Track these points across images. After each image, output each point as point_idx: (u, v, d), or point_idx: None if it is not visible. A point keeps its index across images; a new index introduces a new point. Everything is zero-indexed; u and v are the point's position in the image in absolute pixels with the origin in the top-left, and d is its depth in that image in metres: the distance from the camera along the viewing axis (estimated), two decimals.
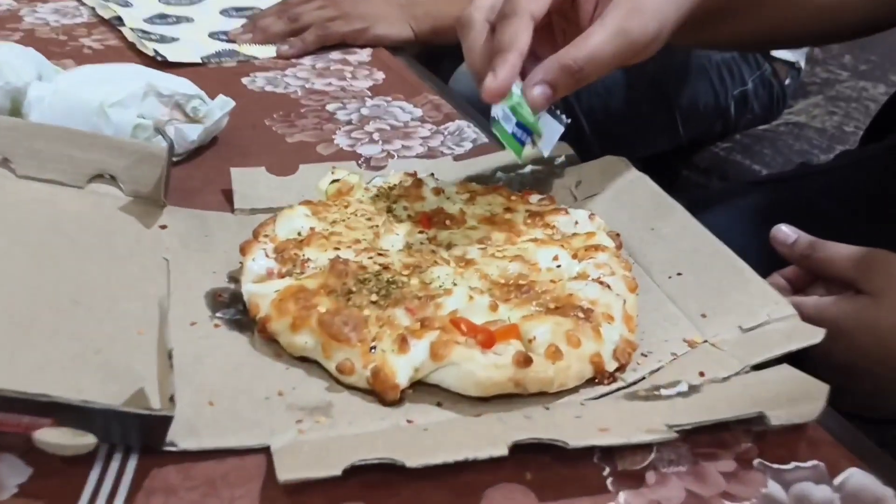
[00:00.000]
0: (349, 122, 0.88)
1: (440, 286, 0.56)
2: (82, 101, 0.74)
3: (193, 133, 0.78)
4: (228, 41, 1.09)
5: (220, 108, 0.80)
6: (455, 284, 0.56)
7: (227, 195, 0.72)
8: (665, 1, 0.63)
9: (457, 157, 0.80)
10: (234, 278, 0.61)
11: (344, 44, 1.08)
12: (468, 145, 0.84)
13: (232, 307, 0.59)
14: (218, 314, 0.58)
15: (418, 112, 0.91)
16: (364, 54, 1.07)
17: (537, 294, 0.56)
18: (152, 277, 0.60)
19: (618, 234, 0.64)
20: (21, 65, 0.82)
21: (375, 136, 0.85)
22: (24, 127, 0.67)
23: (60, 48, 1.06)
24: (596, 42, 0.60)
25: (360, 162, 0.80)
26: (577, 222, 0.64)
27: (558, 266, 0.59)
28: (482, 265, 0.59)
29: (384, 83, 0.99)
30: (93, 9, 1.19)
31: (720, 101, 1.19)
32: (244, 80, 0.99)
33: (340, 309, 0.53)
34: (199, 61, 1.03)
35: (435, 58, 1.15)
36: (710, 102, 1.18)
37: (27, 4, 1.21)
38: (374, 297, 0.55)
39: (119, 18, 1.13)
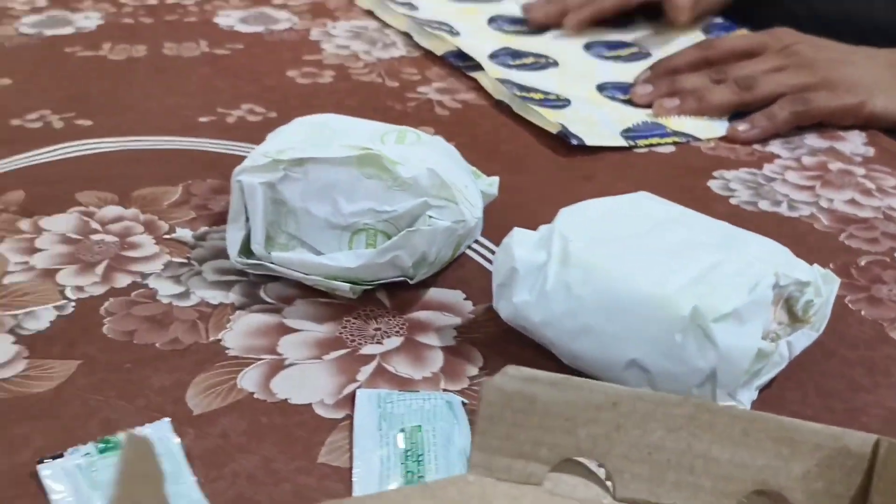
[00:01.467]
0: None
1: None
2: (650, 299, 0.39)
3: (800, 345, 0.43)
4: (628, 102, 0.74)
5: (817, 293, 0.45)
6: None
7: None
8: None
9: None
10: None
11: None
12: None
13: None
14: None
15: None
16: (855, 142, 0.70)
17: None
18: None
19: None
20: (465, 185, 0.49)
21: None
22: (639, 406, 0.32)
23: (398, 104, 0.72)
24: None
25: None
26: None
27: None
28: None
29: None
30: (407, 35, 0.84)
31: None
32: (714, 187, 0.63)
33: None
34: (625, 144, 0.68)
35: None
36: None
37: (312, 21, 0.87)
38: None
39: (460, 54, 0.78)
